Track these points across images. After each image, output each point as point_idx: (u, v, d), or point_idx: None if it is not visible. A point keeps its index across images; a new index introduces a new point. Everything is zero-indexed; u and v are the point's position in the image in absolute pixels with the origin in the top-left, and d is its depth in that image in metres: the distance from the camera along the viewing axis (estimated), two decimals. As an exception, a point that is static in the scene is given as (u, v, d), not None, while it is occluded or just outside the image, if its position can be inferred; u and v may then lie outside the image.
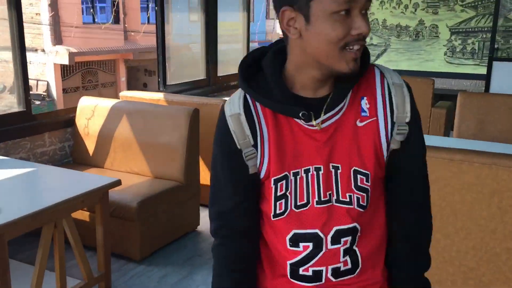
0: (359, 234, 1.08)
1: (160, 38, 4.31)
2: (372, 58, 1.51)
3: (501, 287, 2.05)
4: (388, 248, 1.16)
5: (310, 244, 1.08)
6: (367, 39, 1.39)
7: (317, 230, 1.07)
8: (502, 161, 1.96)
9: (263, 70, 1.08)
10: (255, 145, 1.06)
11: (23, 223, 2.02)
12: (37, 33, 12.50)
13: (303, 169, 1.06)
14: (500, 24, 6.16)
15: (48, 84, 13.05)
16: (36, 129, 3.25)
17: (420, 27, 6.60)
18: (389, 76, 1.08)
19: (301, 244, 1.08)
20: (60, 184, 2.51)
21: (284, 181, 1.06)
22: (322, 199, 1.05)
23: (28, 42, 10.79)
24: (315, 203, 1.06)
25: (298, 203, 1.06)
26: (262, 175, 1.08)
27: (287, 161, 1.05)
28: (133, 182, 3.10)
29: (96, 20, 14.48)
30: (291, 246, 1.09)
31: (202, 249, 3.12)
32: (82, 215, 2.89)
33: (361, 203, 1.05)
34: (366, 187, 1.05)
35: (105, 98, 3.63)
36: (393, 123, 1.05)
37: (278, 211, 1.07)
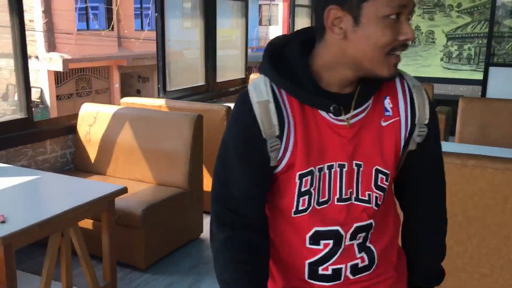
0: (372, 230, 1.09)
1: (160, 44, 4.28)
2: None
3: (515, 293, 2.04)
4: (407, 241, 1.22)
5: (331, 242, 1.07)
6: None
7: (338, 227, 1.06)
8: (516, 167, 1.96)
9: (286, 59, 1.03)
10: (279, 136, 1.01)
11: (31, 233, 1.98)
12: (31, 39, 12.42)
13: (326, 165, 1.04)
14: (496, 30, 6.21)
15: (41, 91, 12.98)
16: (37, 136, 3.21)
17: (417, 33, 6.63)
18: (408, 78, 1.09)
19: (321, 242, 1.07)
20: (66, 192, 2.47)
21: (309, 177, 1.03)
22: (343, 196, 1.05)
23: (22, 49, 10.65)
24: (335, 200, 1.05)
25: (320, 200, 1.05)
26: (279, 168, 1.04)
27: (312, 156, 1.02)
28: (136, 189, 3.06)
29: (90, 26, 14.43)
30: (311, 244, 1.07)
31: (207, 257, 3.09)
32: (85, 223, 2.85)
33: (378, 202, 1.07)
34: (384, 186, 1.07)
35: (107, 105, 3.60)
36: (413, 125, 1.06)
37: (300, 207, 1.05)
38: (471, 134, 3.81)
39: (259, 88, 1.02)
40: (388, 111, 1.05)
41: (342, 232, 1.06)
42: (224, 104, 3.61)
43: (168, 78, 4.43)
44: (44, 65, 12.87)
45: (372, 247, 1.11)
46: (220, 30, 5.09)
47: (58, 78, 13.64)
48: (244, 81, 5.71)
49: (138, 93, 16.49)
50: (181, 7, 4.95)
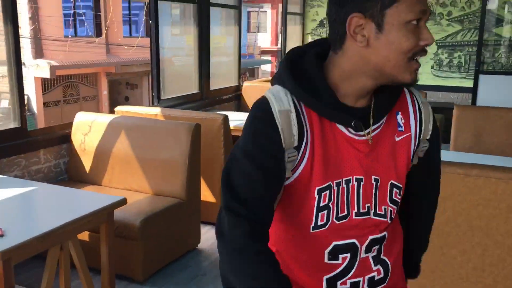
0: (385, 242, 1.10)
1: (154, 51, 4.25)
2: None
3: (520, 303, 2.04)
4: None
5: (348, 255, 1.07)
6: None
7: (354, 240, 1.06)
8: (520, 177, 1.96)
9: (304, 72, 1.03)
10: (297, 147, 1.00)
11: (30, 247, 1.93)
12: (18, 46, 12.29)
13: (344, 179, 1.04)
14: (486, 38, 6.29)
15: (28, 98, 12.81)
16: (31, 145, 3.15)
17: (407, 41, 6.67)
18: (417, 94, 1.12)
19: (340, 256, 1.07)
20: (64, 204, 2.42)
21: (328, 191, 1.02)
22: (361, 211, 1.05)
23: (9, 56, 10.53)
24: (354, 215, 1.05)
25: (340, 215, 1.05)
26: (290, 180, 1.02)
27: (330, 170, 1.02)
28: (133, 200, 3.01)
29: (78, 33, 14.32)
30: (329, 259, 1.07)
31: (205, 268, 3.05)
32: (83, 235, 2.79)
33: (392, 216, 1.09)
34: (398, 200, 1.09)
35: (103, 114, 3.55)
36: (419, 140, 1.10)
37: (319, 223, 1.04)
38: (466, 141, 3.83)
39: (279, 97, 1.01)
40: (400, 126, 1.08)
41: (358, 244, 1.07)
42: (220, 113, 3.58)
43: (162, 86, 4.40)
44: (31, 72, 12.72)
45: (386, 260, 1.12)
46: (213, 37, 5.08)
47: (45, 85, 13.49)
48: (238, 88, 5.69)
49: (126, 100, 16.39)
50: (171, 14, 4.93)
